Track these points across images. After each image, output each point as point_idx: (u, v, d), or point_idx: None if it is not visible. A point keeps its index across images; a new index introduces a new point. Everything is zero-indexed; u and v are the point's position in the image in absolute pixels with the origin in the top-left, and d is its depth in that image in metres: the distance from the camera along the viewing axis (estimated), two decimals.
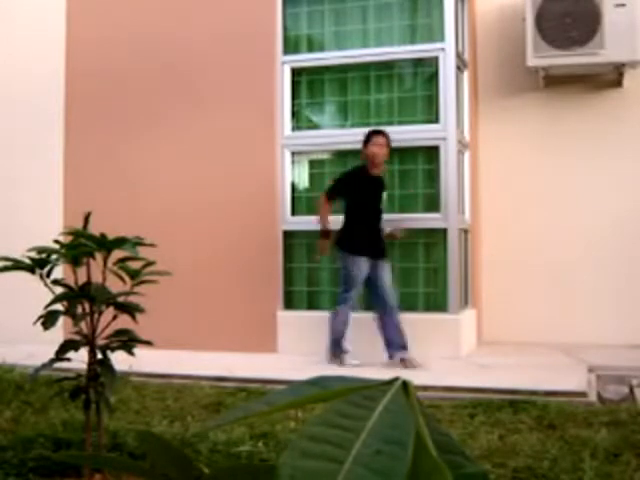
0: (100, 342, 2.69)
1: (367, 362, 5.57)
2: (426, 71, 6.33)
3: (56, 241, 2.66)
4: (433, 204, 6.15)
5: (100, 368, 2.65)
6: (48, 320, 2.59)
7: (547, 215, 6.71)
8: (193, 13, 6.79)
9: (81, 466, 2.95)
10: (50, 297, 2.64)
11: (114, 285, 2.70)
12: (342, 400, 0.68)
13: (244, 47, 6.60)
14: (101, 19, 7.09)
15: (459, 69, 6.36)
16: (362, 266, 5.64)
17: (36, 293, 2.70)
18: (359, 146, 5.81)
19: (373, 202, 5.77)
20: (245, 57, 6.60)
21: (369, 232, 5.72)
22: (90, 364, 2.67)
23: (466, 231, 6.48)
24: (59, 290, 2.66)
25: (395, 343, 5.58)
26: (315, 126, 6.67)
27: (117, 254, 2.64)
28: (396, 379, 0.71)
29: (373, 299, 5.76)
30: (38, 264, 2.63)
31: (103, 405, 2.69)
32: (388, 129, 6.02)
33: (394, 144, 6.07)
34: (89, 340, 2.66)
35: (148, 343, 2.67)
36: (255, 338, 6.35)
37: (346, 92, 6.50)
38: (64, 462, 3.05)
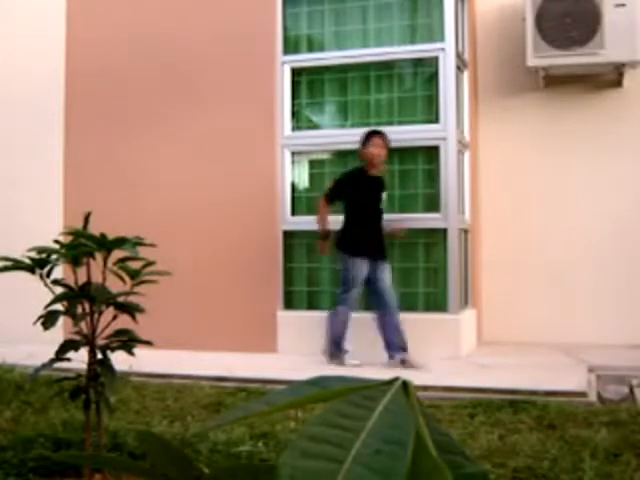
0: (100, 342, 2.69)
1: (367, 362, 5.57)
2: (426, 71, 6.33)
3: (56, 241, 2.66)
4: (433, 204, 6.15)
5: (100, 368, 2.65)
6: (48, 320, 2.59)
7: (547, 215, 6.71)
8: (193, 13, 6.79)
9: (81, 466, 2.95)
10: (50, 297, 2.64)
11: (114, 285, 2.70)
12: (342, 400, 0.68)
13: (244, 47, 6.60)
14: (101, 19, 7.09)
15: (459, 69, 6.36)
16: (361, 267, 5.65)
17: (36, 293, 2.70)
18: (359, 146, 5.81)
19: (372, 203, 5.77)
20: (245, 57, 6.60)
21: (369, 233, 5.72)
22: (90, 364, 2.67)
23: (466, 231, 6.48)
24: (59, 290, 2.66)
25: (395, 344, 5.58)
26: (315, 126, 6.67)
27: (117, 254, 2.64)
28: (396, 379, 0.71)
29: (373, 300, 5.76)
30: (38, 264, 2.63)
31: (103, 405, 2.69)
32: (388, 129, 6.02)
33: (394, 144, 6.07)
34: (89, 340, 2.66)
35: (148, 343, 2.67)
36: (255, 338, 6.35)
37: (346, 92, 6.50)
38: (64, 462, 3.05)
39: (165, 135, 6.81)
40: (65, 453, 2.85)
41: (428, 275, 6.17)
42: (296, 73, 6.54)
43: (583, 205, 6.64)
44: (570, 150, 6.68)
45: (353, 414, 0.66)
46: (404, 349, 5.55)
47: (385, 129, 5.93)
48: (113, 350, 2.70)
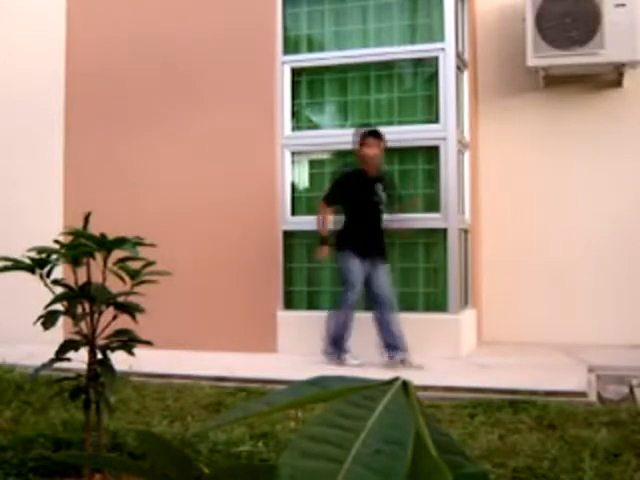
0: (100, 342, 2.69)
1: (367, 362, 5.57)
2: (426, 71, 6.33)
3: (56, 241, 2.66)
4: (433, 204, 6.15)
5: (100, 368, 2.65)
6: (48, 320, 2.59)
7: (547, 215, 6.71)
8: (193, 13, 6.79)
9: (81, 466, 2.95)
10: (50, 297, 2.64)
11: (114, 285, 2.70)
12: (342, 400, 0.68)
13: (244, 47, 6.60)
14: (101, 19, 7.09)
15: (459, 69, 6.36)
16: (357, 265, 5.63)
17: (36, 293, 2.70)
18: (354, 146, 5.82)
19: (370, 203, 5.75)
20: (245, 57, 6.60)
21: (365, 233, 5.71)
22: (90, 364, 2.67)
23: (466, 231, 6.48)
24: (59, 290, 2.66)
25: (394, 344, 5.57)
26: (315, 126, 6.67)
27: (117, 254, 2.64)
28: (396, 379, 0.71)
29: (369, 300, 5.75)
30: (38, 264, 2.63)
31: (103, 405, 2.69)
32: (388, 129, 6.02)
33: (394, 144, 6.07)
34: (89, 340, 2.66)
35: (148, 343, 2.67)
36: (255, 338, 6.35)
37: (346, 92, 6.50)
38: (64, 462, 3.05)
39: (165, 135, 6.81)
40: (65, 453, 2.85)
41: (428, 275, 6.17)
42: (296, 73, 6.54)
43: (583, 205, 6.64)
44: (570, 150, 6.68)
45: (353, 414, 0.66)
46: (403, 349, 5.55)
47: (385, 129, 5.93)
48: (113, 350, 2.70)
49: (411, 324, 5.83)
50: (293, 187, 6.54)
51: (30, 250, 2.64)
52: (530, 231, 6.73)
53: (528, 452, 3.42)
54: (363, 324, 5.69)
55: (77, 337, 2.67)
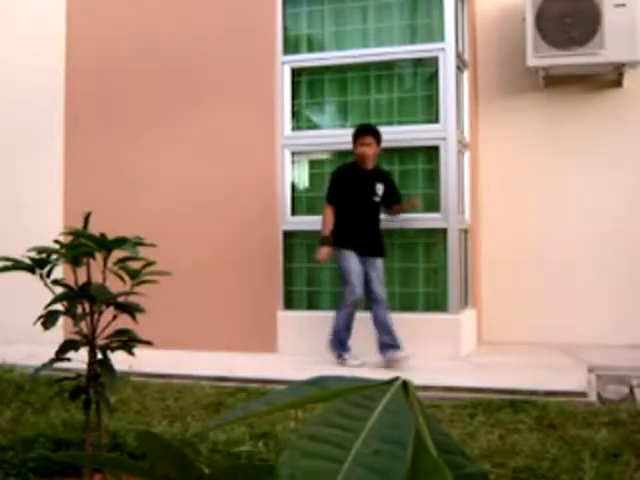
0: (100, 342, 2.69)
1: (367, 362, 5.57)
2: (426, 71, 6.33)
3: (56, 241, 2.66)
4: (433, 204, 6.15)
5: (100, 368, 2.65)
6: (48, 320, 2.59)
7: (547, 215, 6.70)
8: (193, 13, 6.80)
9: (81, 466, 2.95)
10: (50, 297, 2.64)
11: (114, 285, 2.70)
12: (342, 400, 0.69)
13: (244, 47, 6.60)
14: (101, 19, 7.09)
15: (459, 69, 6.36)
16: (351, 260, 5.61)
17: (36, 293, 2.70)
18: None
19: (364, 197, 5.74)
20: (245, 57, 6.60)
21: (359, 227, 5.69)
22: (90, 364, 2.67)
23: (466, 231, 6.48)
24: (59, 290, 2.66)
25: (385, 342, 5.55)
26: (315, 126, 6.67)
27: (117, 254, 2.64)
28: (396, 379, 0.71)
29: (365, 298, 5.74)
30: (38, 264, 2.63)
31: (103, 405, 2.69)
32: (388, 129, 6.03)
33: (394, 144, 6.08)
34: (89, 340, 2.66)
35: (148, 343, 2.67)
36: (255, 338, 6.36)
37: (346, 92, 6.50)
38: (64, 462, 3.05)
39: (165, 135, 6.81)
40: (65, 453, 2.85)
41: (428, 275, 6.17)
42: (296, 73, 6.54)
43: (583, 205, 6.64)
44: (570, 150, 6.68)
45: (353, 414, 0.66)
46: (395, 347, 5.51)
47: (385, 129, 5.93)
48: (113, 350, 2.70)
49: (411, 324, 5.83)
50: (293, 187, 6.54)
51: (30, 250, 2.64)
52: (530, 231, 6.73)
53: (528, 452, 3.42)
54: (363, 324, 5.69)
55: (77, 337, 2.67)
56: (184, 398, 4.61)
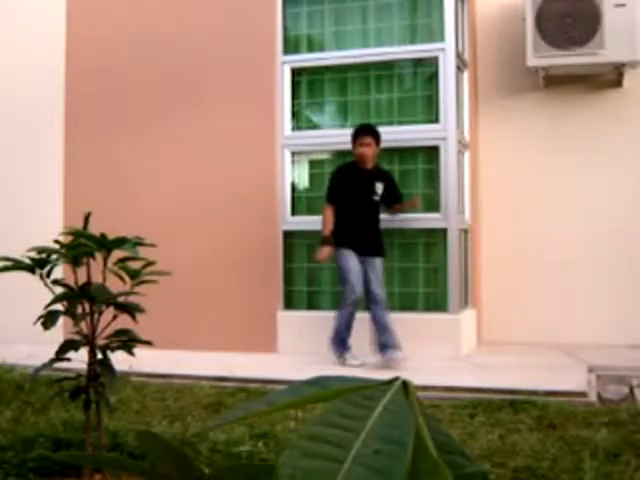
0: (100, 342, 2.69)
1: (367, 362, 5.57)
2: (426, 71, 6.33)
3: (56, 241, 2.66)
4: (433, 204, 6.15)
5: (100, 368, 2.65)
6: (48, 320, 2.59)
7: (547, 215, 6.70)
8: (193, 13, 6.80)
9: (81, 466, 2.95)
10: (50, 297, 2.64)
11: (114, 285, 2.70)
12: (342, 400, 0.69)
13: (244, 47, 6.60)
14: (101, 19, 7.09)
15: (459, 69, 6.36)
16: (350, 259, 5.61)
17: (36, 293, 2.70)
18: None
19: (363, 196, 5.74)
20: (245, 57, 6.60)
21: (358, 226, 5.69)
22: (90, 364, 2.67)
23: (466, 231, 6.48)
24: (59, 290, 2.66)
25: (381, 343, 5.55)
26: (315, 126, 6.67)
27: (117, 254, 2.64)
28: (396, 379, 0.71)
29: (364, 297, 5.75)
30: (38, 264, 2.63)
31: (103, 405, 2.69)
32: (388, 129, 6.03)
33: (394, 144, 6.08)
34: (89, 340, 2.66)
35: (148, 343, 2.67)
36: (255, 338, 6.36)
37: (346, 92, 6.50)
38: (64, 462, 3.05)
39: (165, 135, 6.81)
40: (65, 453, 2.85)
41: (428, 275, 6.17)
42: (296, 73, 6.54)
43: (583, 205, 6.64)
44: (570, 150, 6.68)
45: (353, 414, 0.66)
46: (393, 347, 5.52)
47: (385, 129, 5.93)
48: (113, 350, 2.70)
49: (411, 324, 5.83)
50: (293, 187, 6.54)
51: (30, 250, 2.64)
52: (530, 231, 6.73)
53: (528, 452, 3.42)
54: (363, 324, 5.69)
55: (77, 337, 2.67)
56: (184, 398, 4.61)
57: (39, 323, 2.58)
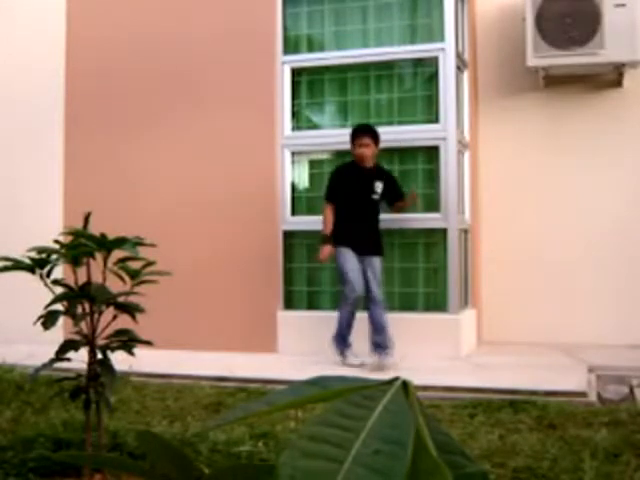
0: (100, 342, 2.69)
1: (367, 362, 5.57)
2: (426, 71, 6.33)
3: (56, 241, 2.66)
4: (433, 204, 6.15)
5: (100, 368, 2.65)
6: (48, 320, 2.59)
7: (547, 215, 6.70)
8: (193, 13, 6.80)
9: (81, 466, 2.95)
10: (50, 297, 2.64)
11: (114, 285, 2.70)
12: (342, 400, 0.69)
13: (244, 47, 6.60)
14: (101, 19, 7.09)
15: (459, 69, 6.36)
16: (349, 258, 5.60)
17: (36, 293, 2.70)
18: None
19: (362, 195, 5.74)
20: (245, 57, 6.60)
21: (357, 225, 5.69)
22: (90, 364, 2.67)
23: (466, 231, 6.48)
24: (59, 290, 2.66)
25: (374, 342, 5.55)
26: (315, 126, 6.67)
27: (117, 254, 2.64)
28: (396, 379, 0.71)
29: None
30: (38, 264, 2.63)
31: (103, 405, 2.69)
32: (388, 129, 6.03)
33: (394, 144, 6.08)
34: (89, 340, 2.66)
35: (148, 343, 2.67)
36: (255, 338, 6.35)
37: (346, 92, 6.50)
38: (64, 462, 3.05)
39: (165, 135, 6.81)
40: (65, 453, 2.85)
41: (428, 275, 6.17)
42: (296, 73, 6.53)
43: (583, 205, 6.64)
44: (570, 150, 6.68)
45: (353, 414, 0.66)
46: (385, 349, 5.52)
47: (385, 129, 5.93)
48: (113, 350, 2.70)
49: (411, 324, 5.83)
50: (293, 187, 6.54)
51: (30, 250, 2.64)
52: (530, 231, 6.73)
53: (528, 452, 3.42)
54: (363, 323, 5.69)
55: (77, 337, 2.67)
56: (184, 398, 4.61)
57: (39, 323, 2.58)
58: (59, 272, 2.81)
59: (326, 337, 5.74)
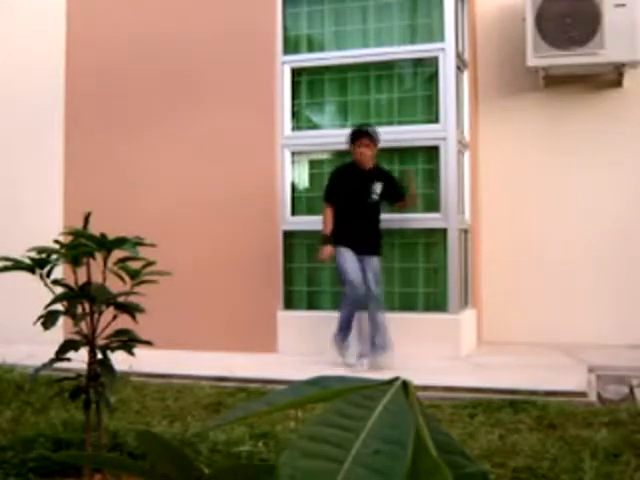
0: (100, 342, 2.69)
1: (365, 361, 5.57)
2: (426, 71, 6.33)
3: (56, 241, 2.66)
4: (433, 204, 6.15)
5: (100, 368, 2.65)
6: (48, 320, 2.59)
7: (547, 215, 6.70)
8: (193, 13, 6.80)
9: (81, 466, 2.95)
10: (50, 297, 2.64)
11: (114, 285, 2.70)
12: (342, 400, 0.68)
13: (244, 47, 6.60)
14: (101, 19, 7.09)
15: (459, 69, 6.36)
16: (348, 257, 5.61)
17: (36, 293, 2.70)
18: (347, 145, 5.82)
19: (361, 197, 5.74)
20: (245, 57, 6.60)
21: (356, 226, 5.69)
22: (90, 364, 2.67)
23: (466, 231, 6.48)
24: (59, 290, 2.66)
25: (372, 342, 5.55)
26: (315, 126, 6.67)
27: (117, 254, 2.64)
28: (396, 379, 0.71)
29: None
30: (38, 264, 2.63)
31: (103, 405, 2.69)
32: (388, 129, 6.03)
33: (394, 144, 6.08)
34: (89, 340, 2.66)
35: (148, 343, 2.67)
36: (255, 338, 6.35)
37: (346, 92, 6.50)
38: (64, 462, 3.05)
39: (165, 135, 6.81)
40: (65, 453, 2.85)
41: (428, 275, 6.17)
42: (296, 73, 6.53)
43: (583, 205, 6.64)
44: (570, 150, 6.68)
45: (353, 414, 0.66)
46: (382, 348, 5.51)
47: (385, 129, 5.93)
48: (113, 350, 2.70)
49: (411, 324, 5.83)
50: (293, 187, 6.54)
51: (30, 250, 2.64)
52: (530, 231, 6.73)
53: (528, 452, 3.42)
54: (361, 323, 5.69)
55: (77, 337, 2.67)
56: (184, 398, 4.61)
57: (39, 323, 2.58)
58: (59, 272, 2.81)
59: (326, 337, 5.74)
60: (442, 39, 6.16)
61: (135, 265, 2.72)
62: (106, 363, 2.65)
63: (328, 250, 5.68)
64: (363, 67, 6.41)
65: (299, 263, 6.43)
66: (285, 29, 6.54)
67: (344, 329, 5.65)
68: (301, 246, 6.42)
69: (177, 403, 4.49)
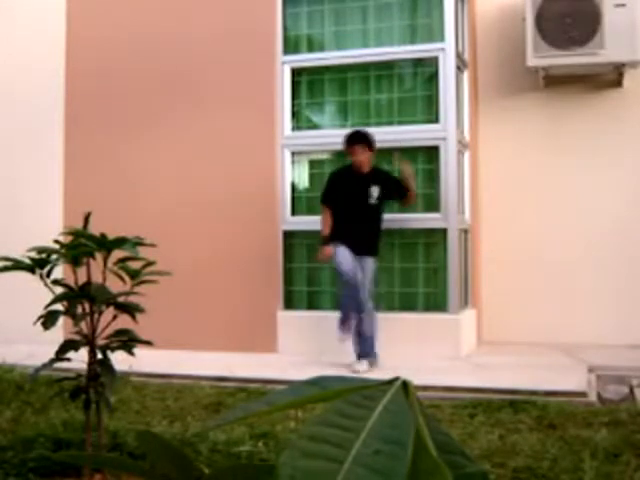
0: (100, 342, 2.69)
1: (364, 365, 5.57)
2: (426, 71, 6.33)
3: (56, 241, 2.66)
4: (433, 204, 6.15)
5: (100, 368, 2.65)
6: (48, 320, 2.59)
7: (547, 215, 6.70)
8: (193, 13, 6.80)
9: (81, 466, 2.95)
10: (50, 297, 2.64)
11: (114, 285, 2.70)
12: (342, 400, 0.68)
13: (244, 47, 6.60)
14: (101, 19, 7.09)
15: (459, 69, 6.36)
16: (344, 253, 5.60)
17: (36, 293, 2.70)
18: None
19: (357, 201, 5.73)
20: (245, 57, 6.60)
21: (353, 228, 5.68)
22: (90, 364, 2.67)
23: (466, 231, 6.48)
24: (59, 290, 2.66)
25: (362, 346, 5.57)
26: (315, 126, 6.67)
27: (117, 254, 2.64)
28: (396, 379, 0.71)
29: None
30: (38, 264, 2.63)
31: (103, 405, 2.69)
32: (388, 129, 6.03)
33: (394, 144, 6.08)
34: (89, 340, 2.66)
35: (148, 343, 2.67)
36: (255, 338, 6.35)
37: (346, 92, 6.50)
38: (64, 462, 3.05)
39: (165, 135, 6.81)
40: (65, 453, 2.84)
41: (428, 275, 6.17)
42: (296, 73, 6.53)
43: (583, 205, 6.64)
44: (570, 150, 6.68)
45: (353, 414, 0.66)
46: (366, 355, 5.53)
47: (385, 129, 5.93)
48: (113, 350, 2.70)
49: (411, 324, 5.82)
50: (293, 187, 6.54)
51: (30, 250, 2.64)
52: (530, 231, 6.73)
53: (528, 452, 3.42)
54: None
55: (77, 337, 2.67)
56: (184, 398, 4.61)
57: (39, 323, 2.58)
58: (59, 272, 2.81)
59: (326, 337, 5.74)
60: (442, 39, 6.16)
61: (135, 265, 2.72)
62: (106, 363, 2.65)
63: (327, 250, 5.68)
64: (363, 67, 6.41)
65: (299, 263, 6.43)
66: (285, 29, 6.54)
67: (348, 315, 5.59)
68: (301, 246, 6.42)
69: (177, 403, 4.49)
